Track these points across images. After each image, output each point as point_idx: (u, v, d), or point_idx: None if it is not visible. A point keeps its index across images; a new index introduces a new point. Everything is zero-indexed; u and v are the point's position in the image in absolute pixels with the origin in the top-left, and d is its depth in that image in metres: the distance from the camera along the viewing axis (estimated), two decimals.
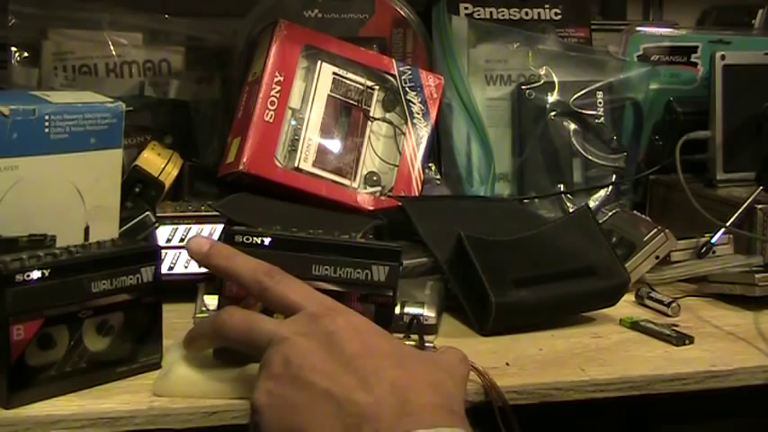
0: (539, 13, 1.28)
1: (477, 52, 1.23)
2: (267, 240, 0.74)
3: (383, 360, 0.64)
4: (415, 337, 0.80)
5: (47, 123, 0.84)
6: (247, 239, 0.74)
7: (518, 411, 0.75)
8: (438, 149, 1.21)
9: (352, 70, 1.15)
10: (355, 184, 1.12)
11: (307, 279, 0.74)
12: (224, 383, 0.72)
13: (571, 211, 1.16)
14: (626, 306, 0.96)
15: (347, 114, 1.14)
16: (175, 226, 0.97)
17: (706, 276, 1.03)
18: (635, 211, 1.14)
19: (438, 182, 1.20)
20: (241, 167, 1.05)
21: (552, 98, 1.22)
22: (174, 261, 0.94)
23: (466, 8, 1.26)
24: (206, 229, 0.97)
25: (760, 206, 1.08)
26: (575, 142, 1.21)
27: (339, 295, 0.74)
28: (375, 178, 1.13)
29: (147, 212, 0.97)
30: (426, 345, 0.80)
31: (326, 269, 0.74)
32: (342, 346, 0.64)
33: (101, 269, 0.73)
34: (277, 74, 1.10)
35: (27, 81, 1.17)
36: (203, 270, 0.93)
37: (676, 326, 0.91)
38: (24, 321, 0.69)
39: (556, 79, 1.22)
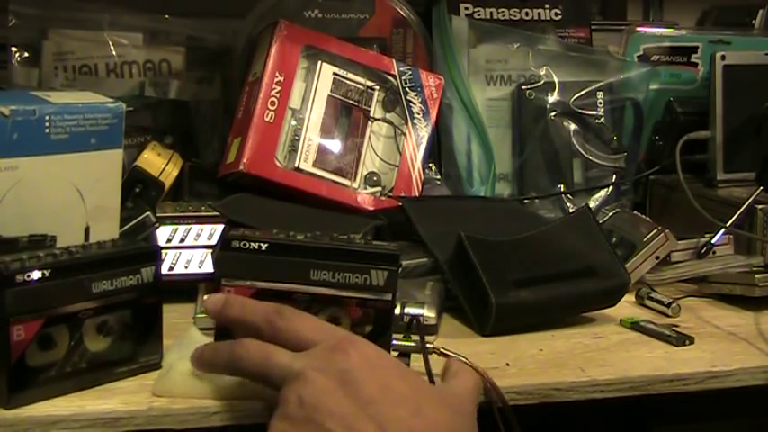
0: (539, 14, 1.28)
1: (477, 52, 1.23)
2: (264, 246, 0.74)
3: (401, 407, 0.63)
4: (415, 337, 0.80)
5: (47, 124, 0.84)
6: (244, 245, 0.74)
7: (518, 411, 0.75)
8: (438, 150, 1.21)
9: (352, 70, 1.15)
10: (355, 185, 1.12)
11: (305, 284, 0.74)
12: (224, 384, 0.72)
13: (571, 211, 1.16)
14: (626, 306, 0.96)
15: (347, 115, 1.14)
16: (176, 226, 0.96)
17: (706, 277, 1.03)
18: (635, 212, 1.14)
19: (438, 182, 1.20)
20: (241, 168, 1.05)
21: (552, 98, 1.22)
22: (174, 261, 0.94)
23: (466, 8, 1.26)
24: (206, 229, 0.97)
25: (760, 206, 1.08)
26: (575, 142, 1.21)
27: (337, 300, 0.74)
28: (375, 178, 1.13)
29: (148, 213, 0.97)
30: (426, 345, 0.80)
31: (325, 274, 0.74)
32: (358, 386, 0.62)
33: (101, 269, 0.73)
34: (277, 74, 1.10)
35: (27, 81, 1.17)
36: (203, 270, 0.94)
37: (676, 326, 0.91)
38: (25, 322, 0.69)
39: (556, 79, 1.22)
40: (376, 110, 1.15)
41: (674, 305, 0.95)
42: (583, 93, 1.22)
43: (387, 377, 0.64)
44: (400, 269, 0.76)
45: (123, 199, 0.95)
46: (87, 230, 0.89)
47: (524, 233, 0.94)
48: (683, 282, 1.04)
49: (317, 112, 1.12)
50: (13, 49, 1.18)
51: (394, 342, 0.77)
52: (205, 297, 0.88)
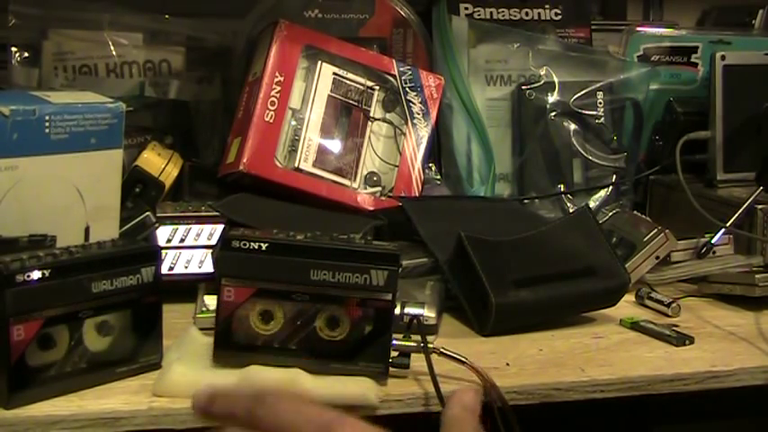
0: (539, 14, 1.28)
1: (477, 52, 1.23)
2: (264, 246, 0.74)
3: None
4: (415, 337, 0.80)
5: (47, 123, 0.84)
6: (244, 245, 0.74)
7: (518, 411, 0.75)
8: (438, 150, 1.21)
9: (352, 70, 1.14)
10: (355, 185, 1.12)
11: (305, 284, 0.74)
12: (224, 384, 0.72)
13: (571, 211, 1.16)
14: (626, 306, 0.96)
15: (347, 114, 1.13)
16: (176, 226, 0.96)
17: (706, 277, 1.03)
18: (635, 212, 1.14)
19: (438, 182, 1.20)
20: (241, 168, 1.05)
21: (552, 98, 1.22)
22: (174, 261, 0.94)
23: (466, 8, 1.26)
24: (206, 229, 0.97)
25: (760, 206, 1.08)
26: (575, 142, 1.21)
27: (337, 300, 0.74)
28: (375, 178, 1.13)
29: (148, 213, 0.97)
30: (427, 345, 0.80)
31: (325, 274, 0.74)
32: None
33: (101, 269, 0.73)
34: (277, 74, 1.10)
35: (27, 81, 1.17)
36: (203, 270, 0.94)
37: (676, 326, 0.91)
38: (25, 322, 0.69)
39: (556, 79, 1.22)
40: (376, 110, 1.15)
41: (674, 305, 0.95)
42: (583, 93, 1.22)
43: None
44: (400, 269, 0.76)
45: (123, 199, 0.95)
46: (87, 230, 0.89)
47: (524, 233, 0.94)
48: (683, 282, 1.04)
49: (317, 112, 1.12)
50: (13, 49, 1.18)
51: (394, 342, 0.77)
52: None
